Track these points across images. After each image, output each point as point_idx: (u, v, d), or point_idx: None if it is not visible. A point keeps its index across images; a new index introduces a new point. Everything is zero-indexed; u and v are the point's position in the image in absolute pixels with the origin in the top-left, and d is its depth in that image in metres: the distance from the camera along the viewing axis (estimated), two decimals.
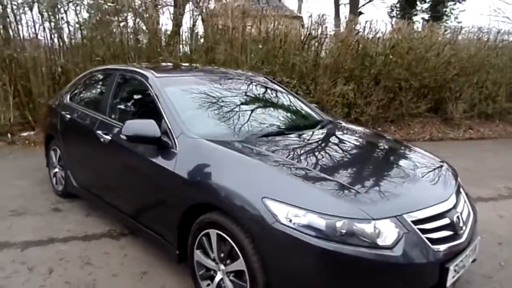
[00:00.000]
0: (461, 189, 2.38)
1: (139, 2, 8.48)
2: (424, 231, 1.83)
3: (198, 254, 2.21)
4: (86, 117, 3.34)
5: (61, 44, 6.99)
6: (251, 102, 3.02)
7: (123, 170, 2.83)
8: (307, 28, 8.45)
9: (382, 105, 8.78)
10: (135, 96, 3.09)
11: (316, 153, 2.36)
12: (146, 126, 2.42)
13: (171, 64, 5.39)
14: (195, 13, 7.80)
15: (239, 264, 1.93)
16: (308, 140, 2.61)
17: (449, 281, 1.88)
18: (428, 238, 1.82)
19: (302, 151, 2.36)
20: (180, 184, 2.25)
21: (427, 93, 9.38)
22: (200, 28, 7.99)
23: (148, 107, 2.77)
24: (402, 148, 2.81)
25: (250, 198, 1.87)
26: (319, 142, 2.60)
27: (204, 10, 8.03)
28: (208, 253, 2.15)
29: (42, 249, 2.87)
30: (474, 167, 5.69)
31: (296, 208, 1.76)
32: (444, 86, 9.33)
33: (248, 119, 2.76)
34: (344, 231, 1.70)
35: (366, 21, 9.07)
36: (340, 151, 2.48)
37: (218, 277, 2.10)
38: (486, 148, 7.55)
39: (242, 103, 2.93)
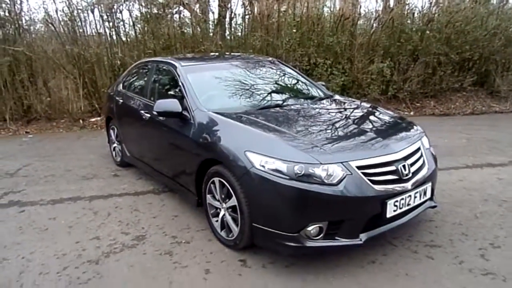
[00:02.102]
0: (421, 146, 2.84)
1: None
2: (368, 174, 2.39)
3: (209, 198, 2.95)
4: (133, 100, 4.21)
5: (118, 40, 8.05)
6: (257, 81, 3.65)
7: (159, 140, 3.64)
8: (341, 8, 8.75)
9: (420, 80, 8.88)
10: (167, 81, 3.84)
11: (295, 119, 2.97)
12: (171, 104, 3.18)
13: (200, 54, 6.15)
14: (232, 5, 8.46)
15: (233, 201, 2.63)
16: (296, 110, 3.19)
17: (389, 213, 2.42)
18: (370, 180, 2.38)
19: (285, 118, 2.98)
20: (195, 146, 2.99)
21: (471, 66, 9.25)
22: (238, 17, 8.63)
23: (176, 90, 3.53)
24: (374, 112, 3.31)
25: (237, 152, 2.56)
26: (304, 111, 3.18)
27: None
28: (215, 196, 2.87)
29: (104, 201, 3.81)
30: (501, 138, 5.83)
31: (267, 157, 2.41)
32: (489, 59, 9.11)
33: (252, 95, 3.42)
34: (300, 172, 2.31)
35: None
36: (315, 116, 3.06)
37: (222, 213, 2.83)
38: None
39: (249, 82, 3.59)
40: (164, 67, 3.89)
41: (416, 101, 8.93)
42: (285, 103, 3.37)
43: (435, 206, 2.92)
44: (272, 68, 4.05)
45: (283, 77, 3.95)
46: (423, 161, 2.76)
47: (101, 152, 5.55)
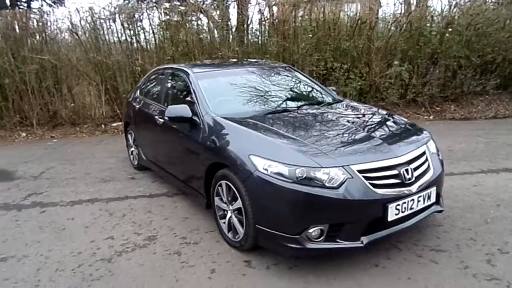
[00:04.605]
0: (427, 150, 2.84)
1: (207, 3, 9.59)
2: (368, 178, 2.42)
3: (217, 200, 3.04)
4: (149, 106, 4.37)
5: (139, 47, 8.31)
6: (267, 87, 3.73)
7: (171, 144, 3.77)
8: (358, 13, 8.73)
9: (440, 84, 8.74)
10: (180, 88, 3.97)
11: (300, 123, 3.03)
12: (181, 109, 3.31)
13: (216, 60, 6.28)
14: (249, 11, 8.59)
15: (238, 203, 2.71)
16: (303, 114, 3.25)
17: (391, 217, 2.44)
18: (371, 183, 2.41)
19: (291, 122, 3.04)
20: (203, 150, 3.10)
21: (493, 69, 9.04)
22: (255, 24, 8.74)
23: (188, 95, 3.65)
24: (381, 117, 3.34)
25: (241, 156, 2.64)
26: (310, 116, 3.23)
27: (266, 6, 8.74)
28: (222, 198, 2.96)
29: (119, 202, 3.97)
30: None
31: (270, 161, 2.48)
32: None
33: (261, 101, 3.51)
34: (301, 175, 2.37)
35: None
36: (321, 121, 3.10)
37: (228, 215, 2.91)
38: None
39: (259, 88, 3.67)
40: (177, 74, 4.03)
41: (435, 105, 8.78)
42: (293, 108, 3.44)
43: (441, 211, 2.91)
44: (283, 74, 4.13)
45: (293, 83, 4.02)
46: (428, 166, 2.76)
47: (120, 156, 5.74)
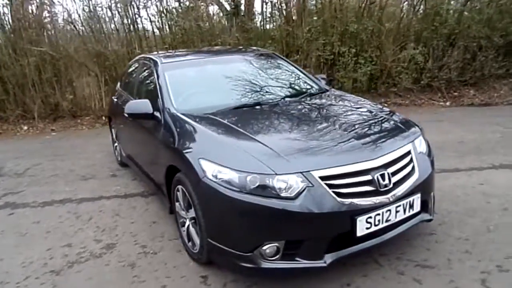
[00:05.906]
0: (412, 150, 2.42)
1: None
2: (333, 186, 2.04)
3: (177, 206, 2.73)
4: (124, 99, 4.09)
5: (136, 36, 8.04)
6: (244, 77, 3.33)
7: (138, 141, 3.49)
8: None
9: (458, 67, 8.09)
10: (149, 80, 3.64)
11: (266, 119, 2.66)
12: (141, 105, 3.00)
13: (189, 49, 5.91)
14: None
15: (192, 212, 2.40)
16: (273, 109, 2.85)
17: (360, 231, 2.07)
18: (336, 192, 2.04)
19: (257, 119, 2.68)
20: (163, 150, 2.79)
21: None
22: (257, 7, 8.31)
23: (154, 88, 3.33)
24: (365, 110, 2.89)
25: (192, 159, 2.31)
26: (280, 110, 2.83)
27: None
28: (181, 205, 2.66)
29: (91, 204, 3.74)
30: None
31: (220, 166, 2.14)
32: None
33: (233, 93, 3.13)
34: (253, 184, 2.03)
35: None
36: (291, 116, 2.70)
37: (187, 223, 2.60)
38: None
39: (234, 79, 3.29)
40: (148, 64, 3.71)
41: (453, 90, 8.15)
42: (265, 101, 3.05)
43: (430, 220, 2.50)
44: (265, 62, 3.74)
45: (274, 72, 3.62)
46: (413, 168, 2.35)
47: (109, 150, 5.51)
